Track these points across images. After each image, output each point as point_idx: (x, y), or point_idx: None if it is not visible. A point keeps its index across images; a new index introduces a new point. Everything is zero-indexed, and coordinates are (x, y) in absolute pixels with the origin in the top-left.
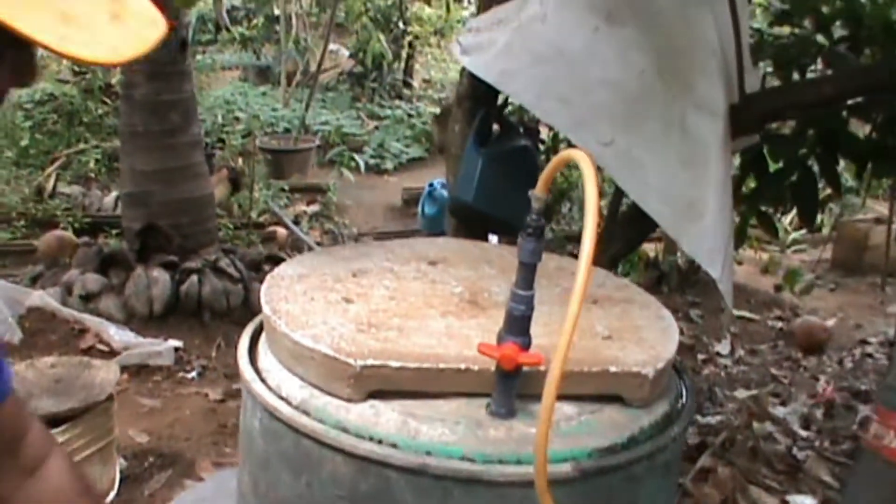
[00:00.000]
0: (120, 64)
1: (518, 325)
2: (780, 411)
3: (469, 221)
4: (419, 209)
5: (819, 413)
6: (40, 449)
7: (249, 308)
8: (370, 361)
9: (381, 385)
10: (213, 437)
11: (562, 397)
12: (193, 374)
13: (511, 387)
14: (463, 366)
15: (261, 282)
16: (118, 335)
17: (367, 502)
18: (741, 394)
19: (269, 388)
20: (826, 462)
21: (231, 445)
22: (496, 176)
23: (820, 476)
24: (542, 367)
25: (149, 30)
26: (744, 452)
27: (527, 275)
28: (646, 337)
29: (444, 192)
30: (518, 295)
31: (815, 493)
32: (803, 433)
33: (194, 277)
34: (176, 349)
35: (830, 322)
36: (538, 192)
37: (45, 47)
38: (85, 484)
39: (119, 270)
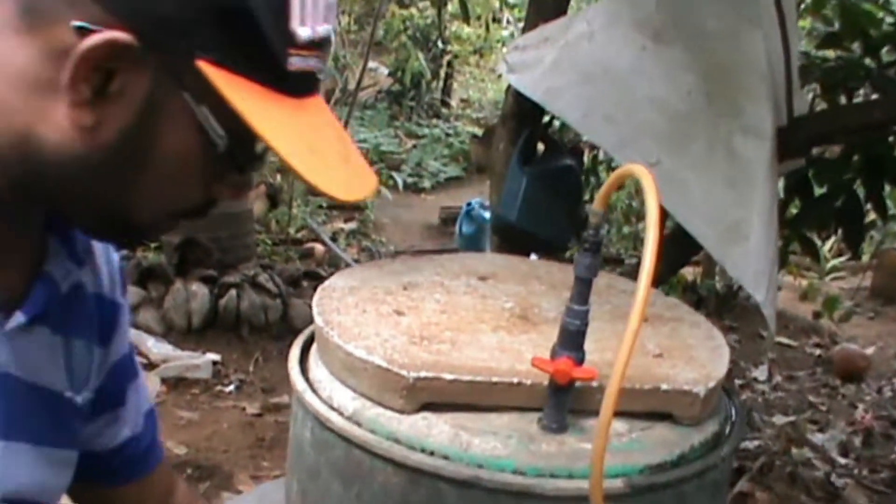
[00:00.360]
0: (349, 200)
1: (573, 339)
2: (818, 438)
3: (512, 240)
4: (457, 228)
5: (857, 441)
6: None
7: (288, 323)
8: (423, 373)
9: (434, 397)
10: (251, 451)
11: (614, 414)
12: (231, 387)
13: (564, 402)
14: (515, 380)
15: (299, 297)
16: (156, 348)
17: None
18: (779, 419)
19: (321, 399)
20: (864, 490)
21: (269, 459)
22: (540, 195)
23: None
24: (594, 383)
25: (368, 176)
26: (782, 478)
27: (582, 290)
28: (696, 356)
29: (482, 212)
30: (573, 310)
31: None
32: (842, 460)
33: (233, 292)
34: (214, 363)
35: (869, 350)
36: (596, 207)
37: (295, 171)
38: None
39: (158, 284)
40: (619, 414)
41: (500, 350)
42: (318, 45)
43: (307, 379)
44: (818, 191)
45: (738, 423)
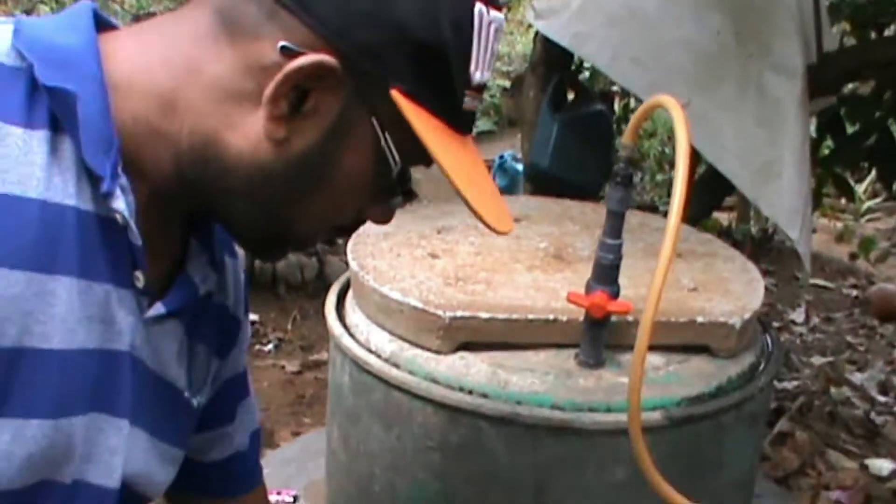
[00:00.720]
0: (500, 233)
1: (607, 273)
2: (856, 377)
3: (545, 187)
4: None
5: None
6: None
7: (324, 281)
8: (459, 313)
9: (470, 337)
10: (292, 408)
11: (650, 348)
12: (270, 346)
13: (600, 336)
14: (551, 316)
15: (334, 255)
16: None
17: (457, 453)
18: (817, 360)
19: (359, 343)
20: None
21: (309, 416)
22: (571, 141)
23: None
24: (629, 318)
25: (507, 212)
26: (821, 417)
27: (615, 223)
28: (732, 289)
29: (515, 164)
30: (606, 244)
31: (893, 457)
32: (881, 398)
33: None
34: (252, 322)
35: None
36: (626, 141)
37: (465, 200)
38: None
39: None
40: (655, 347)
41: (535, 289)
42: (482, 89)
43: (344, 324)
44: (850, 129)
45: (775, 355)
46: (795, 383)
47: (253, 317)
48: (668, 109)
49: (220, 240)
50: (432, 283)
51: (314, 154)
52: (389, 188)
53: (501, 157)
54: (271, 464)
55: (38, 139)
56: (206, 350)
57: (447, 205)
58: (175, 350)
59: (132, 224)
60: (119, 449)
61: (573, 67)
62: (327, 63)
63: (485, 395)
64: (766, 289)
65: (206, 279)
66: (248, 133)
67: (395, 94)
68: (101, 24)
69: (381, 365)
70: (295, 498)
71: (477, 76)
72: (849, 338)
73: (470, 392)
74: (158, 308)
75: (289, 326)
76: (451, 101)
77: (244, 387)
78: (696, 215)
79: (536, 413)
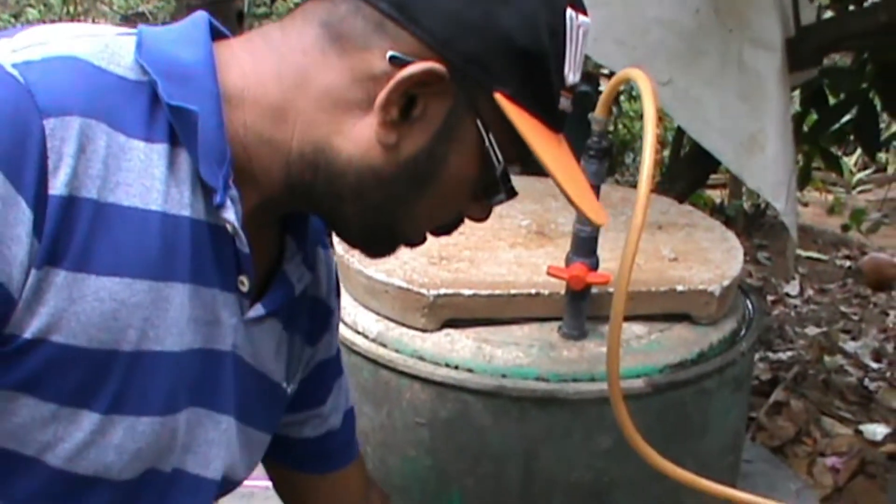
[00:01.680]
0: (599, 224)
1: (585, 246)
2: (850, 346)
3: (531, 168)
4: None
5: (890, 346)
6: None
7: None
8: (443, 291)
9: (455, 313)
10: None
11: (631, 318)
12: None
13: (581, 308)
14: (534, 291)
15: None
16: None
17: (446, 427)
18: (811, 331)
19: (346, 324)
20: None
21: None
22: None
23: (892, 405)
24: (610, 289)
25: (601, 205)
26: (816, 385)
27: None
28: (711, 258)
29: None
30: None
31: (887, 421)
32: (874, 365)
33: None
34: None
35: None
36: (598, 115)
37: (567, 196)
38: None
39: None
40: (637, 317)
41: (518, 264)
42: (574, 89)
43: None
44: (833, 102)
45: (756, 320)
46: (790, 353)
47: None
48: (635, 81)
49: (314, 230)
50: (416, 262)
51: (422, 157)
52: (491, 187)
53: None
54: None
55: (157, 153)
56: (301, 340)
57: None
58: (274, 346)
59: (241, 233)
60: (217, 441)
61: None
62: (437, 70)
63: (471, 370)
64: (760, 263)
65: (301, 277)
66: (358, 139)
67: (500, 98)
68: (215, 33)
69: (369, 345)
70: None
71: (570, 77)
72: (842, 308)
73: (456, 367)
74: (258, 310)
75: None
76: (549, 101)
77: (336, 368)
78: (683, 191)
79: (522, 385)
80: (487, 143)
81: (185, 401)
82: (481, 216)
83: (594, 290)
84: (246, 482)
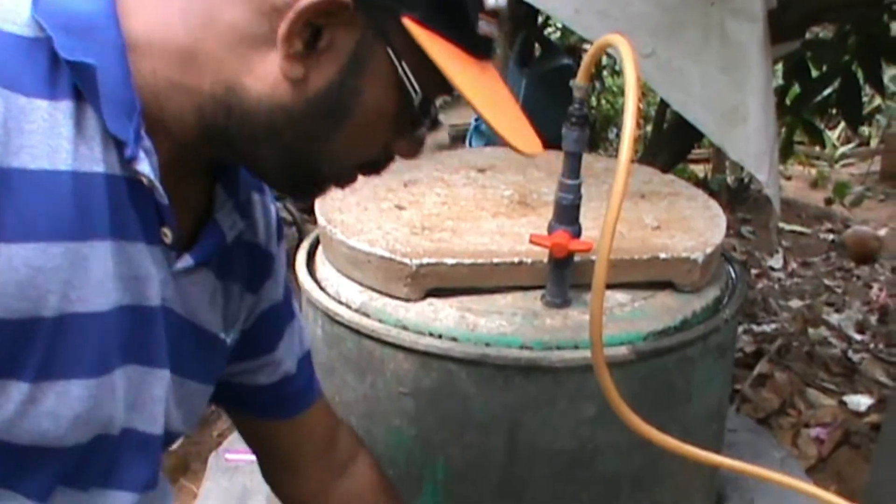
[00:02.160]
0: (527, 155)
1: (567, 213)
2: (834, 318)
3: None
4: (466, 144)
5: (873, 319)
6: (349, 448)
7: None
8: (426, 260)
9: (438, 283)
10: None
11: (614, 286)
12: None
13: (564, 276)
14: (517, 259)
15: (314, 224)
16: None
17: (430, 397)
18: (795, 304)
19: (329, 295)
20: (881, 363)
21: None
22: (539, 95)
23: (875, 377)
24: (593, 256)
25: (535, 135)
26: (800, 357)
27: (573, 164)
28: (694, 226)
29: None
30: (565, 184)
31: (871, 392)
32: (858, 337)
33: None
34: None
35: (882, 232)
36: (579, 82)
37: (488, 122)
38: (392, 484)
39: None
40: (620, 285)
41: (501, 234)
42: (498, 14)
43: (315, 279)
44: (816, 74)
45: (740, 288)
46: (774, 326)
47: None
48: (616, 47)
49: (247, 179)
50: (399, 233)
51: (333, 91)
52: (414, 119)
53: (477, 118)
54: None
55: (62, 111)
56: (240, 288)
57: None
58: (208, 296)
59: (157, 185)
60: (162, 397)
61: (539, 23)
62: None
63: (454, 339)
64: (743, 237)
65: (233, 225)
66: (266, 76)
67: (408, 23)
68: None
69: (352, 315)
70: None
71: (490, 0)
72: (826, 281)
73: (440, 337)
74: (186, 260)
75: None
76: (466, 25)
77: (286, 314)
78: (666, 164)
79: (506, 354)
80: (402, 73)
81: (118, 360)
82: (410, 152)
83: (577, 258)
84: (229, 456)
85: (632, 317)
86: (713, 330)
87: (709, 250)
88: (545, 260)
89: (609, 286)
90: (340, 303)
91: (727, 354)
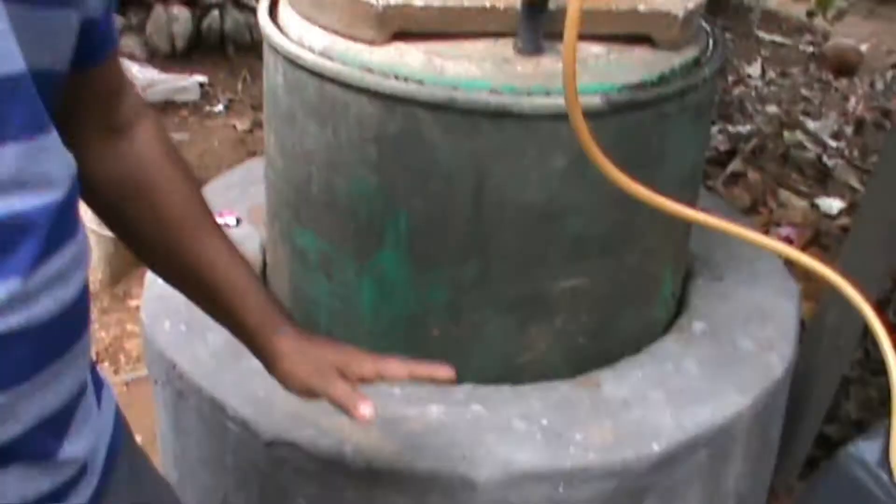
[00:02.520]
0: None
1: None
2: (810, 124)
3: None
4: None
5: (849, 130)
6: (135, 110)
7: None
8: (393, 1)
9: (405, 25)
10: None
11: (589, 37)
12: (220, 107)
13: (538, 23)
14: (488, 3)
15: None
16: (141, 73)
17: (394, 144)
18: (772, 109)
19: (291, 40)
20: (855, 169)
21: None
22: None
23: (848, 181)
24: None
25: None
26: (774, 158)
27: None
28: None
29: None
30: None
31: (842, 196)
32: (833, 143)
33: (215, 12)
34: (201, 84)
35: (863, 47)
36: None
37: None
38: (175, 149)
39: (138, 9)
40: (596, 37)
41: None
42: None
43: (277, 24)
44: None
45: (719, 50)
46: (749, 127)
47: (202, 78)
48: None
49: None
50: None
51: None
52: None
53: None
54: (215, 189)
55: None
56: None
57: None
58: None
59: None
60: (6, 30)
61: None
62: None
63: (420, 82)
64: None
65: None
66: None
67: None
68: None
69: (315, 59)
70: (238, 220)
71: None
72: (804, 91)
73: (405, 80)
74: None
75: (239, 87)
76: None
77: None
78: None
79: (474, 98)
80: None
81: None
82: None
83: (552, 5)
84: None
85: (607, 68)
86: (691, 88)
87: (690, 6)
88: (517, 6)
89: (584, 38)
90: (303, 46)
91: (704, 117)
